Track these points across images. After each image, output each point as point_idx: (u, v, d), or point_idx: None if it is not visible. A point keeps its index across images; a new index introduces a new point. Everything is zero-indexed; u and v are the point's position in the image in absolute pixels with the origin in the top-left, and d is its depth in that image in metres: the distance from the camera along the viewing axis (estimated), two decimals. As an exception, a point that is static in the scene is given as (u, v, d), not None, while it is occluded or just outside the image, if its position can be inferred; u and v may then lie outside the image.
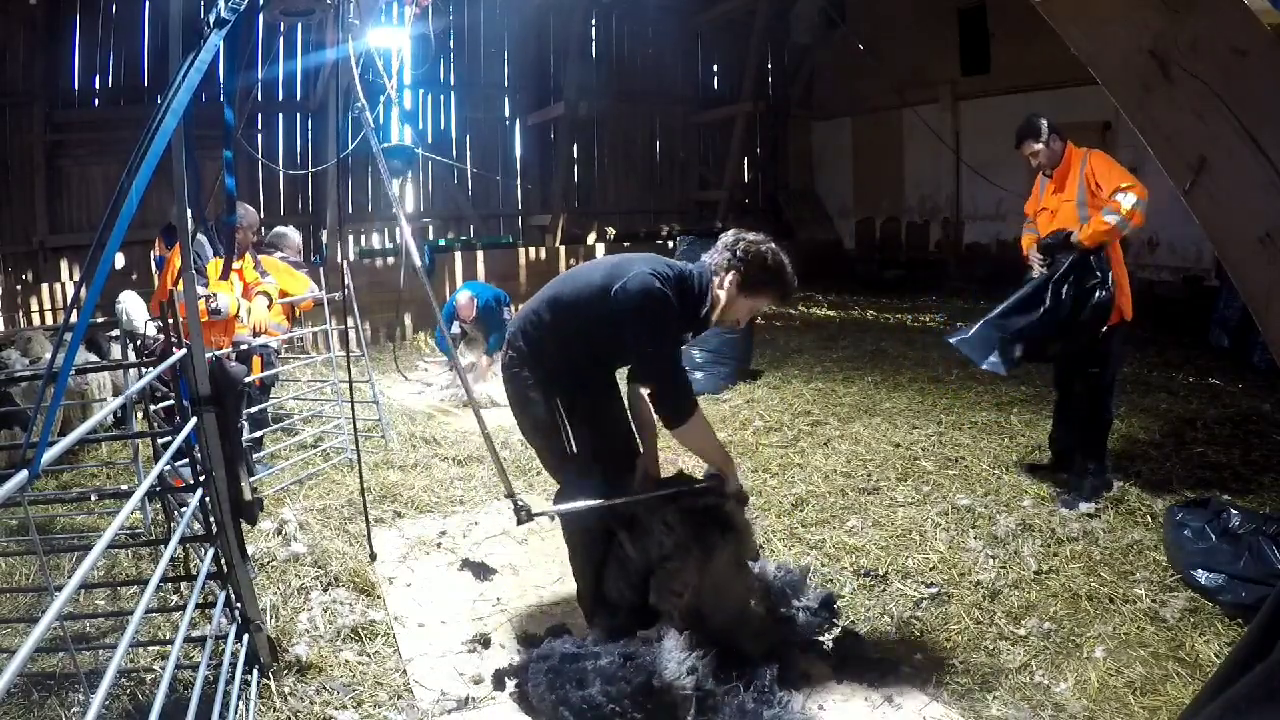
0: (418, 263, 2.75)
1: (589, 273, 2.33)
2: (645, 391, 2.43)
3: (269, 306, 4.19)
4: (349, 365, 3.23)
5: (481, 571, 3.01)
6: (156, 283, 4.89)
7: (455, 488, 3.90)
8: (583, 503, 2.25)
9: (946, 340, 3.49)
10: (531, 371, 2.35)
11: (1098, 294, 3.14)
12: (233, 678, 1.99)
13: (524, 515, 2.28)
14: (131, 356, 3.70)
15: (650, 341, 2.20)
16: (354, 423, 3.26)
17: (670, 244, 9.69)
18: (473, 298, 6.22)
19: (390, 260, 9.14)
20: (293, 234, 5.26)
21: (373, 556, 3.05)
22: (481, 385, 5.80)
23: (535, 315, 2.36)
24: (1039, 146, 3.35)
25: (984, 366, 3.27)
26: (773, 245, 2.33)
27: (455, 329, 6.23)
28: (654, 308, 2.16)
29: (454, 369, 6.29)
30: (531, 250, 10.03)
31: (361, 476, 3.14)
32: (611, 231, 11.33)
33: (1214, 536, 2.61)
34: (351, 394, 3.23)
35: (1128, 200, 3.08)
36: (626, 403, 2.54)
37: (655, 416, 2.40)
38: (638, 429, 2.54)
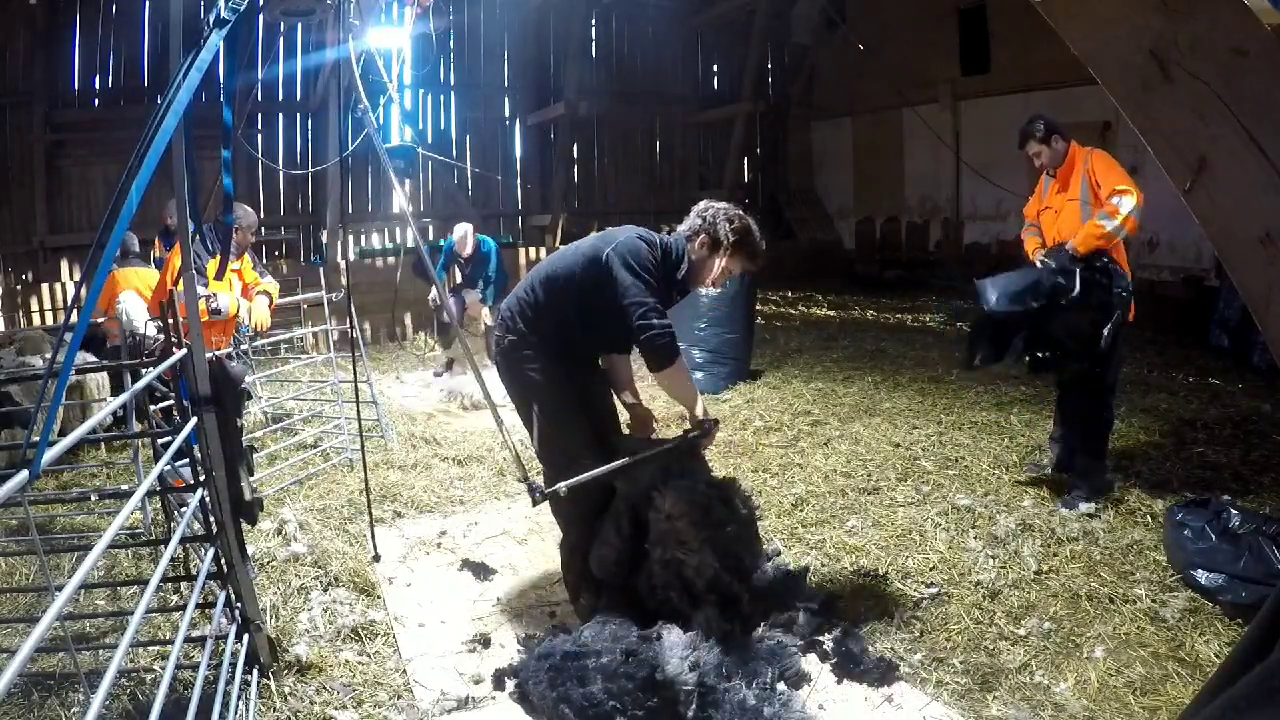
0: (432, 274, 2.83)
1: (576, 248, 2.51)
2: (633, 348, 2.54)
3: (270, 306, 4.19)
4: (354, 364, 3.23)
5: (481, 571, 3.01)
6: (155, 283, 4.88)
7: (455, 488, 3.90)
8: (590, 472, 2.34)
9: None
10: (530, 349, 2.46)
11: (1115, 314, 3.10)
12: (233, 678, 1.98)
13: (539, 495, 2.35)
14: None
15: (637, 289, 2.32)
16: (359, 422, 3.26)
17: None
18: (471, 232, 6.21)
19: (390, 260, 9.15)
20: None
21: (377, 557, 3.05)
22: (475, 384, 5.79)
23: (530, 294, 2.49)
24: (1041, 147, 3.37)
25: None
26: (738, 210, 2.53)
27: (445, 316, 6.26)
28: (640, 260, 2.35)
29: (446, 317, 6.30)
30: (531, 250, 10.03)
31: (367, 476, 3.14)
32: (612, 231, 11.31)
33: (1214, 536, 2.61)
34: (356, 393, 3.23)
35: (1124, 205, 3.08)
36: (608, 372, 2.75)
37: (632, 374, 2.66)
38: (617, 389, 2.75)
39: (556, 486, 2.30)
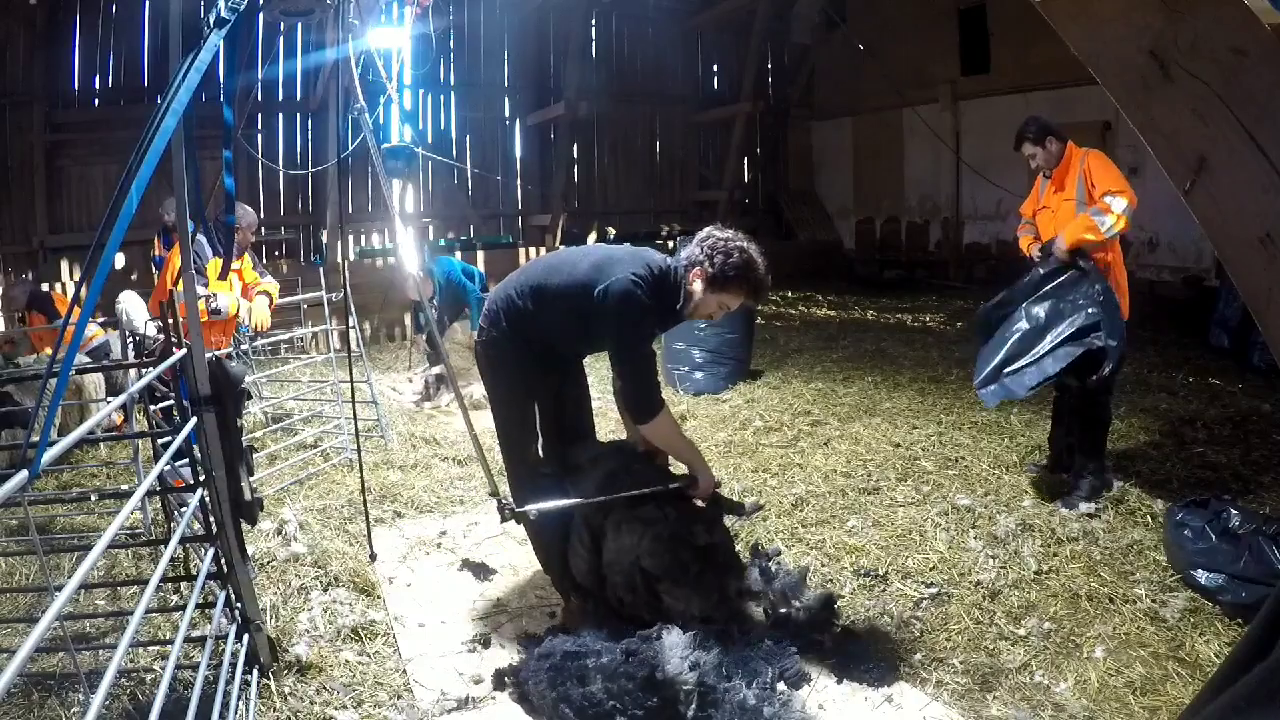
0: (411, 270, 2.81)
1: (573, 266, 2.40)
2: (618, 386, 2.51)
3: (270, 306, 4.19)
4: (350, 364, 3.23)
5: (481, 571, 3.01)
6: (156, 283, 4.89)
7: (455, 488, 3.90)
8: (564, 501, 2.38)
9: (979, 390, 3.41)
10: (511, 348, 2.46)
11: (1096, 343, 3.08)
12: (233, 678, 1.98)
13: (508, 513, 2.39)
14: (131, 355, 3.70)
15: (625, 343, 2.32)
16: (355, 422, 3.26)
17: (670, 244, 9.69)
18: (420, 277, 6.08)
19: (390, 260, 9.14)
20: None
21: (373, 556, 3.05)
22: (477, 387, 5.78)
23: (519, 299, 2.43)
24: (1036, 149, 3.38)
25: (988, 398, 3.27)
26: (742, 243, 2.35)
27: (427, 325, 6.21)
28: (632, 313, 2.26)
29: (432, 349, 6.27)
30: (532, 250, 10.03)
31: (363, 476, 3.14)
32: (612, 231, 11.33)
33: (1214, 536, 2.61)
34: (353, 394, 3.23)
35: (1117, 205, 3.09)
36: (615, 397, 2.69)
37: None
38: (627, 425, 2.68)
39: (528, 508, 2.34)
